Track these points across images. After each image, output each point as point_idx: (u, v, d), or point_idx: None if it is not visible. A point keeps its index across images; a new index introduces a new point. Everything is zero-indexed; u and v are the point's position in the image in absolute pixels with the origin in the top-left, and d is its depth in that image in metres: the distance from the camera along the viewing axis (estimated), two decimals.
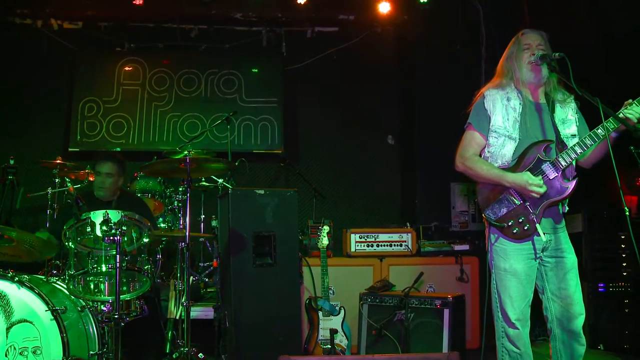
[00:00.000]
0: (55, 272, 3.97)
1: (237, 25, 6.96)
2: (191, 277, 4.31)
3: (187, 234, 3.64)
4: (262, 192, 4.24)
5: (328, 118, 6.93)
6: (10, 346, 3.11)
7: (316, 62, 6.95)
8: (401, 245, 5.27)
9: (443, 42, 6.27)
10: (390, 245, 5.27)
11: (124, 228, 3.28)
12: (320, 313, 4.48)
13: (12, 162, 4.89)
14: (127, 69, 6.88)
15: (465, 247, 5.26)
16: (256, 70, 6.97)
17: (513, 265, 2.92)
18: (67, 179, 4.56)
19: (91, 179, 4.79)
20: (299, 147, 6.92)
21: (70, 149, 6.56)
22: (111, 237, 3.22)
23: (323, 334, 4.44)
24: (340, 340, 4.43)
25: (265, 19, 6.92)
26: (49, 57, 6.78)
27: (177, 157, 3.90)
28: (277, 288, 4.20)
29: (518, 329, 2.89)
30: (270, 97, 6.86)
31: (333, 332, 4.38)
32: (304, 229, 5.23)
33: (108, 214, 3.28)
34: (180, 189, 4.98)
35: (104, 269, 3.34)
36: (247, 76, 6.93)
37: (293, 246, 4.34)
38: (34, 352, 3.13)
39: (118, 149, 6.46)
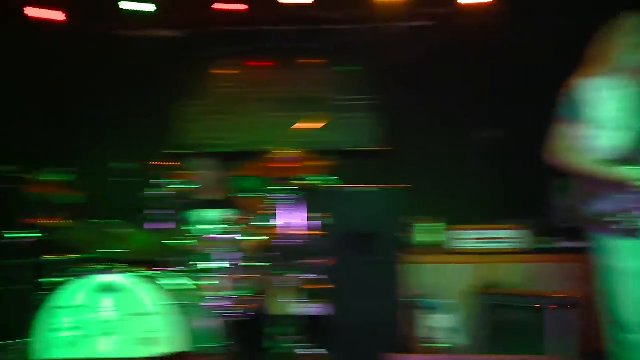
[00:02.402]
0: (166, 268, 4.11)
1: (332, 25, 6.98)
2: (297, 274, 4.35)
3: (295, 231, 3.69)
4: (363, 189, 4.24)
5: (425, 112, 6.81)
6: (129, 336, 3.25)
7: (411, 56, 6.85)
8: (507, 242, 5.10)
9: None
10: (496, 242, 5.11)
11: (232, 226, 3.37)
12: (421, 311, 4.43)
13: (116, 164, 5.11)
14: (221, 72, 7.05)
15: (577, 244, 5.01)
16: (353, 68, 6.97)
17: (625, 264, 2.76)
18: (171, 180, 4.72)
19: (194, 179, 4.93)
20: (399, 143, 6.85)
21: (170, 151, 6.75)
22: (221, 235, 3.31)
23: (424, 332, 4.39)
24: (442, 339, 4.37)
25: (359, 16, 6.91)
26: (151, 64, 7.05)
27: (278, 156, 3.96)
28: (379, 285, 4.18)
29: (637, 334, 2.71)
30: (367, 93, 6.82)
31: (434, 330, 4.33)
32: (405, 226, 5.16)
33: (217, 213, 3.38)
34: (283, 187, 5.04)
35: (215, 265, 3.44)
36: (342, 74, 6.94)
37: (395, 243, 4.31)
38: (149, 343, 3.25)
39: (216, 150, 6.62)
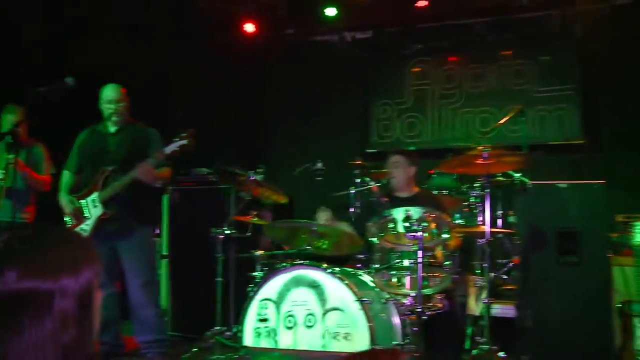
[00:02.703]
0: (360, 265, 4.23)
1: (524, 13, 6.66)
2: (491, 274, 4.23)
3: (488, 230, 3.59)
4: (564, 185, 3.98)
5: (632, 101, 6.20)
6: (326, 330, 3.39)
7: (616, 41, 6.27)
8: None
9: None
10: None
11: (424, 224, 3.35)
12: (636, 320, 4.03)
13: (319, 164, 5.37)
14: (415, 70, 7.07)
15: None
16: (547, 57, 6.58)
17: None
18: (367, 178, 4.85)
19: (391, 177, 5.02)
20: (603, 136, 6.33)
21: (368, 150, 6.98)
22: (413, 233, 3.31)
23: None
24: None
25: (553, 0, 6.50)
26: (344, 66, 7.30)
27: (472, 152, 3.89)
28: (583, 288, 3.90)
29: None
30: (565, 84, 6.41)
31: None
32: (614, 225, 4.76)
33: (410, 210, 3.39)
34: (477, 184, 4.93)
35: (406, 263, 3.46)
36: (538, 65, 6.58)
37: (601, 243, 3.99)
38: (345, 338, 3.35)
39: (413, 148, 6.66)
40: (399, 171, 4.48)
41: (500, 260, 5.10)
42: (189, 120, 4.28)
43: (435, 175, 5.27)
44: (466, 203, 5.04)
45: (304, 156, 5.95)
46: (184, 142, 4.03)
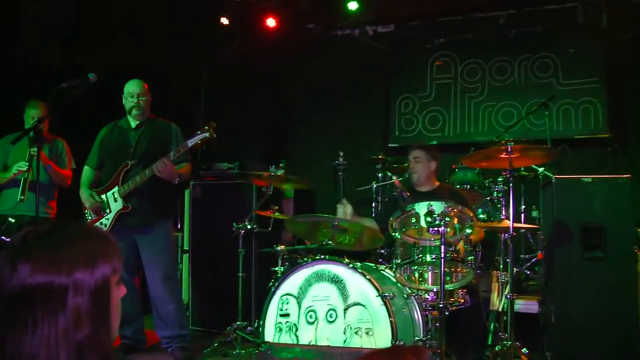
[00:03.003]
0: (382, 260, 4.21)
1: (549, 5, 6.55)
2: (514, 269, 4.18)
3: (512, 224, 3.54)
4: (589, 180, 3.91)
5: None
6: (347, 325, 3.37)
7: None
8: None
9: None
10: None
11: (447, 219, 3.31)
12: None
13: (341, 159, 5.35)
14: (438, 63, 7.00)
15: None
16: (573, 49, 6.47)
17: None
18: (390, 173, 4.81)
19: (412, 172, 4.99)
20: (629, 130, 6.22)
21: (390, 145, 6.94)
22: (435, 228, 3.27)
23: None
24: None
25: None
26: (366, 61, 7.26)
27: (496, 147, 3.84)
28: (608, 284, 3.81)
29: None
30: (591, 77, 6.30)
31: None
32: (639, 220, 4.68)
33: (432, 205, 3.35)
34: (500, 179, 4.87)
35: (428, 258, 3.42)
36: (563, 57, 6.47)
37: (627, 238, 3.90)
38: (367, 333, 3.33)
39: (435, 142, 6.61)
40: (420, 166, 4.45)
41: (523, 256, 5.05)
42: (212, 116, 4.28)
43: (457, 170, 5.23)
44: (489, 198, 5.00)
45: (326, 151, 5.96)
46: (206, 134, 4.03)
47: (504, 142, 3.89)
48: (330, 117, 7.27)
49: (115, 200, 4.23)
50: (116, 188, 4.24)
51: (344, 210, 4.18)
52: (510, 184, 3.63)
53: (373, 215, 4.73)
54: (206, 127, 4.05)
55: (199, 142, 4.06)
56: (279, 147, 7.31)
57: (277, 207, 4.60)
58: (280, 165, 4.47)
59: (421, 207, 3.41)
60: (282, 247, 4.25)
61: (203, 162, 5.83)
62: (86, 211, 4.33)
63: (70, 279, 1.17)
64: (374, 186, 5.34)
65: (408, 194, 3.77)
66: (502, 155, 3.68)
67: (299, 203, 5.79)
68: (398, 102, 7.09)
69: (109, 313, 1.24)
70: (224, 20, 6.93)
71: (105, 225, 4.20)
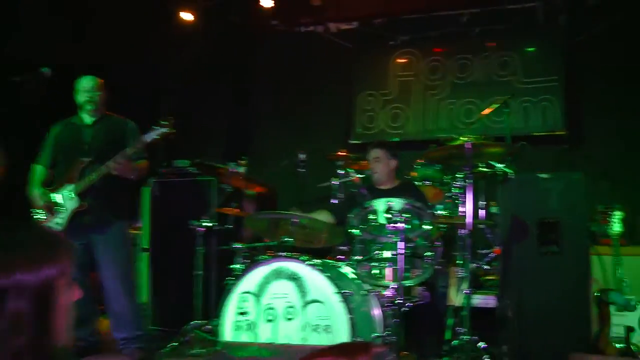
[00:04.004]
0: (341, 257, 4.20)
1: (510, 4, 6.63)
2: (472, 265, 4.21)
3: (470, 220, 3.57)
4: (545, 176, 3.96)
5: (614, 93, 6.20)
6: (306, 323, 3.35)
7: (601, 32, 6.26)
8: None
9: None
10: None
11: (406, 215, 3.32)
12: (612, 307, 4.03)
13: (301, 155, 5.32)
14: (401, 61, 7.04)
15: None
16: (533, 49, 6.58)
17: None
18: (351, 170, 4.81)
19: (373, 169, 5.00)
20: (584, 127, 6.34)
21: (351, 141, 6.95)
22: (394, 225, 3.28)
23: (616, 330, 3.99)
24: (638, 340, 3.94)
25: None
26: (329, 57, 7.26)
27: (455, 143, 3.87)
28: (563, 278, 3.87)
29: None
30: (550, 75, 6.40)
31: (629, 330, 3.91)
32: (593, 215, 4.76)
33: (391, 202, 3.35)
34: (459, 175, 4.91)
35: (387, 255, 3.43)
36: (523, 56, 6.58)
37: (581, 233, 3.97)
38: (325, 330, 3.31)
39: (397, 139, 6.63)
40: (380, 165, 4.51)
41: (481, 251, 5.09)
42: (172, 113, 4.20)
43: (419, 166, 5.24)
44: (449, 194, 5.03)
45: (288, 148, 5.92)
46: (165, 130, 3.95)
47: (463, 139, 3.92)
48: (293, 114, 7.25)
49: (71, 198, 4.12)
50: (71, 185, 4.12)
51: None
52: (470, 181, 3.65)
53: (333, 212, 4.71)
54: (164, 122, 3.98)
55: (156, 137, 3.98)
56: (240, 145, 7.26)
57: (237, 205, 4.56)
58: (242, 161, 4.43)
59: (380, 204, 3.43)
60: (241, 244, 4.21)
61: (163, 160, 5.75)
62: (36, 211, 4.19)
63: (10, 280, 1.11)
64: (335, 183, 5.33)
65: (368, 190, 3.77)
66: (461, 152, 3.70)
67: (261, 200, 5.75)
68: (360, 98, 7.10)
69: (53, 318, 1.17)
70: (185, 16, 6.83)
71: (60, 225, 4.08)
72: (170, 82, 7.16)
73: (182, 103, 6.78)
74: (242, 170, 4.36)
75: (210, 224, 4.46)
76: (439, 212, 5.03)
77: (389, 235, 3.43)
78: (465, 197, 4.14)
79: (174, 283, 5.25)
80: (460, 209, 4.84)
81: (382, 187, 4.52)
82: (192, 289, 4.55)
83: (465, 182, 3.72)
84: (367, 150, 4.68)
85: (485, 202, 5.34)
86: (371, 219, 3.50)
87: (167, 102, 7.09)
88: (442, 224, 4.20)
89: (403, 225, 3.30)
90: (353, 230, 3.60)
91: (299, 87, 7.28)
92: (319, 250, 4.14)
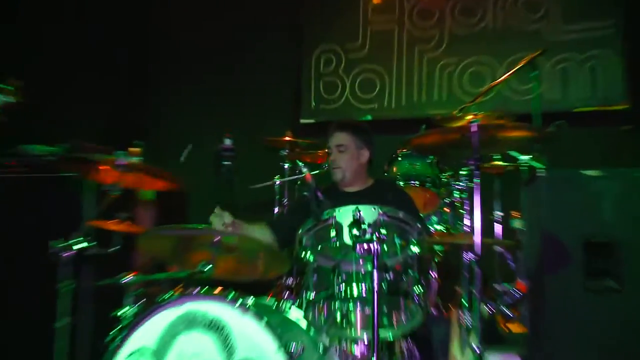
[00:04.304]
0: (286, 294, 4.22)
1: None
2: (485, 307, 4.29)
3: (479, 239, 3.62)
4: (595, 173, 4.04)
5: None
6: None
7: None
8: None
9: None
10: None
11: (382, 231, 3.35)
12: None
13: (227, 141, 5.30)
14: (375, 1, 7.10)
15: None
16: None
17: None
18: (301, 163, 4.83)
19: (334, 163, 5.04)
20: None
21: (302, 121, 6.98)
22: (365, 245, 3.31)
23: None
24: None
25: None
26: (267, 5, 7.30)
27: (456, 124, 3.93)
28: (626, 327, 3.94)
29: None
30: (601, 20, 6.50)
31: None
32: None
33: (359, 210, 3.38)
34: (463, 171, 4.98)
35: (355, 291, 3.45)
36: None
37: None
38: None
39: (369, 117, 6.70)
40: (346, 157, 4.55)
41: (498, 287, 5.17)
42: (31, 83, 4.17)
43: (401, 158, 5.30)
44: (448, 200, 5.10)
45: (208, 131, 5.91)
46: (6, 97, 3.92)
47: (469, 116, 3.98)
48: (213, 85, 7.26)
49: None
50: None
51: (220, 222, 4.19)
52: (478, 180, 3.71)
53: (273, 227, 4.73)
54: (5, 87, 3.94)
55: None
56: (133, 125, 7.22)
57: (127, 215, 4.53)
58: (135, 149, 4.42)
59: (344, 214, 3.45)
60: (133, 276, 4.18)
61: (8, 145, 5.66)
62: None
63: None
64: (277, 183, 5.35)
65: (324, 194, 3.78)
66: (465, 137, 3.77)
67: (163, 209, 5.72)
68: (315, 57, 7.15)
69: None
70: None
71: None
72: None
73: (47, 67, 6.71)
74: (134, 161, 4.33)
75: (83, 246, 4.41)
76: (433, 226, 5.11)
77: (358, 262, 3.46)
78: (471, 205, 4.22)
79: (20, 339, 5.19)
80: (465, 221, 4.93)
81: (349, 189, 4.56)
82: (51, 349, 4.50)
83: (471, 181, 3.78)
84: (326, 135, 4.70)
85: (502, 213, 5.43)
86: (331, 237, 3.52)
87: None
88: (438, 244, 4.25)
89: (377, 246, 3.33)
90: (305, 255, 3.61)
91: (224, 44, 7.29)
92: (254, 285, 4.15)
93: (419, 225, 3.58)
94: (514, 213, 5.22)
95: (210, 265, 3.74)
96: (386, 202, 3.73)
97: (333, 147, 4.60)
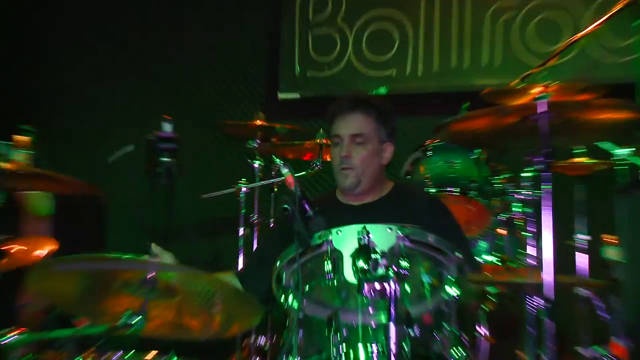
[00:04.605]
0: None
1: None
2: None
3: (550, 278, 3.65)
4: None
5: None
6: None
7: None
8: None
9: None
10: None
11: (403, 264, 3.37)
12: None
13: (166, 127, 5.31)
14: None
15: None
16: None
17: None
18: (279, 160, 4.85)
19: (328, 158, 5.04)
20: None
21: (280, 96, 7.00)
22: (377, 285, 3.32)
23: None
24: None
25: None
26: None
27: (516, 101, 3.95)
28: None
29: None
30: None
31: None
32: None
33: (368, 232, 3.39)
34: (525, 173, 5.01)
35: (362, 356, 3.47)
36: None
37: None
38: None
39: (383, 91, 6.71)
40: (364, 153, 4.57)
41: (583, 350, 5.19)
42: None
43: (432, 154, 5.32)
44: (505, 214, 5.12)
45: (138, 113, 5.97)
46: None
47: (537, 88, 4.00)
48: (146, 47, 7.32)
49: None
50: None
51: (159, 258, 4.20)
52: (549, 184, 3.73)
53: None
54: None
55: None
56: (18, 107, 7.28)
57: (6, 238, 4.56)
58: (22, 137, 4.45)
59: (346, 238, 3.46)
60: (20, 332, 4.20)
61: None
62: None
63: None
64: (243, 190, 5.37)
65: (315, 206, 3.79)
66: (532, 121, 3.78)
67: (67, 228, 5.75)
68: (301, 2, 7.17)
69: None
70: None
71: None
72: None
73: None
74: (21, 156, 4.36)
75: None
76: (481, 257, 5.12)
77: (367, 311, 3.47)
78: (539, 224, 4.22)
79: None
80: (530, 250, 4.94)
81: (354, 202, 4.59)
82: None
83: (539, 189, 3.79)
84: (321, 116, 4.72)
85: (588, 236, 5.44)
86: (326, 272, 3.53)
87: None
88: (489, 284, 4.27)
89: (397, 287, 3.34)
90: (285, 300, 3.63)
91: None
92: (208, 347, 4.17)
93: (460, 256, 3.58)
94: (606, 237, 5.22)
95: (140, 317, 3.76)
96: (411, 218, 3.74)
97: (345, 137, 4.57)
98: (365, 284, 3.32)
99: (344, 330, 3.50)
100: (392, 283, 3.29)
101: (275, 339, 3.92)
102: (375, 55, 7.03)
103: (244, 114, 5.72)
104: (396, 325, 3.28)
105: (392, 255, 3.35)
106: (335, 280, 3.48)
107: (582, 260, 5.29)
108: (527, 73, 5.58)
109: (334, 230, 3.52)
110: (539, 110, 3.76)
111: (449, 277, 3.56)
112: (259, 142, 5.50)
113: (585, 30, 5.30)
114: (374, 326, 3.44)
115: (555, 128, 3.79)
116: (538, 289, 3.96)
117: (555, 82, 4.14)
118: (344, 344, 3.49)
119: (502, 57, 6.76)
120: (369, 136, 4.56)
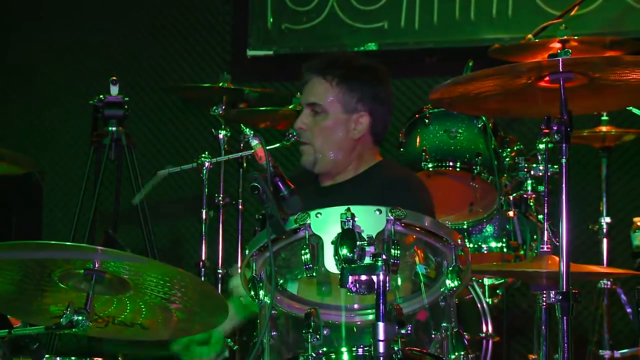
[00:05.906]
0: None
1: None
2: None
3: (565, 267, 3.70)
4: None
5: None
6: None
7: None
8: None
9: None
10: None
11: (394, 253, 3.43)
12: None
13: (113, 90, 5.36)
14: None
15: None
16: None
17: None
18: (247, 130, 4.93)
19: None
20: None
21: (250, 53, 7.05)
22: (363, 277, 3.38)
23: None
24: None
25: None
26: None
27: (529, 58, 4.00)
28: None
29: None
30: None
31: None
32: None
33: (353, 215, 3.45)
34: (541, 145, 5.07)
35: (345, 359, 3.54)
36: None
37: None
38: None
39: (373, 47, 6.78)
40: (320, 125, 4.61)
41: (605, 353, 5.26)
42: None
43: (430, 122, 5.37)
44: (513, 195, 5.18)
45: (80, 73, 6.01)
46: None
47: (553, 44, 4.06)
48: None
49: None
50: None
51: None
52: (565, 159, 3.78)
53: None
54: None
55: None
56: None
57: None
58: None
59: (327, 222, 3.51)
60: None
61: None
62: None
63: None
64: (206, 165, 5.43)
65: (293, 186, 3.86)
66: (548, 80, 3.83)
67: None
68: None
69: None
70: None
71: None
72: None
73: None
74: None
75: None
76: (486, 243, 5.18)
77: (351, 306, 3.53)
78: (555, 205, 4.29)
79: None
80: (544, 235, 5.00)
81: (326, 182, 4.69)
82: None
83: (555, 164, 3.85)
84: (296, 79, 4.77)
85: (611, 219, 5.48)
86: (304, 262, 3.58)
87: None
88: (494, 276, 4.33)
89: (386, 275, 3.38)
90: (255, 295, 3.69)
91: None
92: (163, 349, 4.23)
93: (454, 243, 3.63)
94: (636, 220, 5.28)
95: (83, 316, 3.81)
96: (400, 198, 3.80)
97: (306, 105, 4.65)
98: (350, 276, 3.36)
99: (325, 331, 3.56)
100: (381, 274, 3.35)
101: (246, 340, 3.96)
102: (363, 4, 7.05)
103: (206, 75, 5.75)
104: (386, 324, 3.35)
105: (381, 241, 3.40)
106: (314, 272, 3.51)
107: (605, 247, 5.33)
108: (543, 25, 5.65)
109: (312, 213, 3.54)
110: (558, 69, 3.80)
111: (447, 267, 3.61)
112: (224, 108, 5.55)
113: None
114: (359, 324, 3.49)
115: (577, 91, 3.84)
116: (553, 280, 4.04)
117: (575, 37, 4.19)
118: (324, 348, 3.56)
119: (514, 6, 6.81)
120: (328, 105, 4.62)
